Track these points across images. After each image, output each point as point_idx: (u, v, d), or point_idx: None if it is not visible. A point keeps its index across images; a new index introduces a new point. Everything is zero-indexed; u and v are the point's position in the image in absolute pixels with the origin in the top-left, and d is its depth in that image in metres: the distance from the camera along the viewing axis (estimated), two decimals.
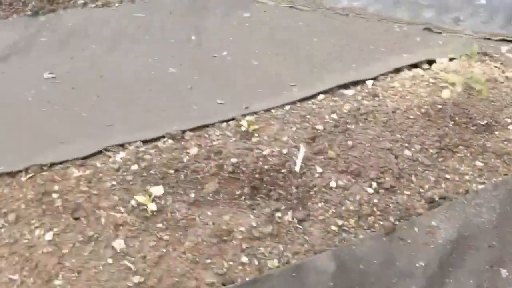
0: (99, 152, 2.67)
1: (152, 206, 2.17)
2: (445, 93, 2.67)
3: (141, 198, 2.19)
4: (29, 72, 3.46)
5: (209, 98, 3.14)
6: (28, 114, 3.10)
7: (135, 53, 3.62)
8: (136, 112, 3.06)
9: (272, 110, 2.92)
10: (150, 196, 2.22)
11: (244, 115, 2.87)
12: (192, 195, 2.35)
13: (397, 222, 2.28)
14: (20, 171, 2.54)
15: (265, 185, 2.39)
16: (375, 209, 2.31)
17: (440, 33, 3.81)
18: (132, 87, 3.28)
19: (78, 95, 3.25)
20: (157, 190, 2.22)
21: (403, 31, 3.85)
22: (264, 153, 2.57)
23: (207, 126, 2.84)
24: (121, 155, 2.63)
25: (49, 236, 2.14)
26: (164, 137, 2.75)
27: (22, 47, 3.63)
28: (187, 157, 2.57)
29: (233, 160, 2.52)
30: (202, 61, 3.53)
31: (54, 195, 2.34)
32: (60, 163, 2.60)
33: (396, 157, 2.53)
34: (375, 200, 2.34)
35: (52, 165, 2.58)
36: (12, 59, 3.53)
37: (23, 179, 2.50)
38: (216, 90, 3.21)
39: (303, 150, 2.48)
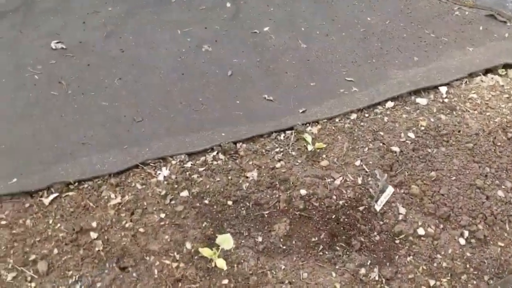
0: (135, 166, 2.21)
1: (221, 263, 1.77)
2: None
3: (207, 252, 1.79)
4: (32, 38, 2.80)
5: (254, 91, 2.65)
6: (38, 97, 2.52)
7: (161, 21, 2.99)
8: (168, 103, 2.53)
9: (336, 119, 2.49)
10: (217, 248, 1.82)
11: (304, 124, 2.42)
12: (259, 238, 1.97)
13: (491, 281, 2.00)
14: (40, 190, 2.07)
15: (343, 229, 2.03)
16: (468, 266, 2.01)
17: (505, 22, 3.36)
18: (160, 69, 2.72)
19: (95, 75, 2.67)
20: (226, 242, 1.79)
21: (465, 16, 3.38)
22: (337, 182, 2.18)
23: (261, 136, 2.39)
24: (164, 172, 2.18)
25: None
26: (213, 149, 2.30)
27: (21, 2, 2.92)
28: (247, 184, 2.15)
29: (303, 192, 2.13)
30: (241, 38, 2.97)
31: (93, 234, 1.90)
32: (89, 179, 2.13)
33: (487, 198, 2.20)
34: (468, 254, 2.04)
35: (79, 181, 2.12)
36: (9, 18, 2.84)
37: (45, 201, 2.03)
38: (260, 80, 2.71)
39: (391, 190, 2.09)
